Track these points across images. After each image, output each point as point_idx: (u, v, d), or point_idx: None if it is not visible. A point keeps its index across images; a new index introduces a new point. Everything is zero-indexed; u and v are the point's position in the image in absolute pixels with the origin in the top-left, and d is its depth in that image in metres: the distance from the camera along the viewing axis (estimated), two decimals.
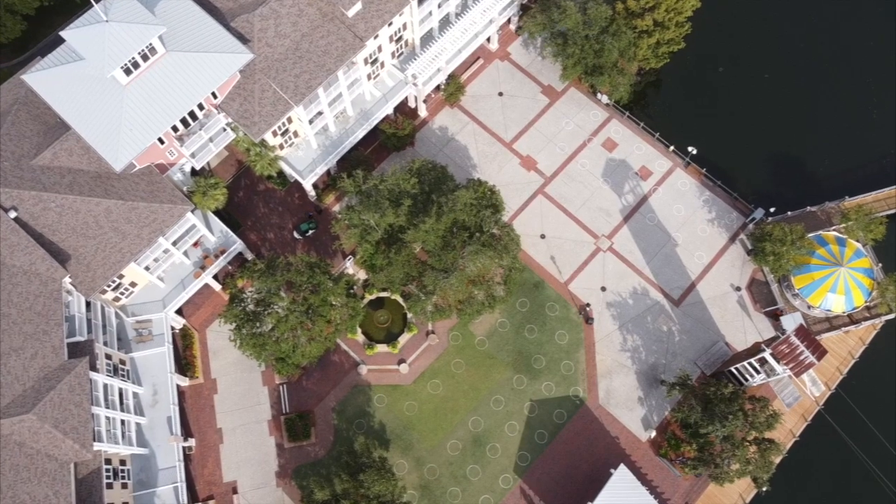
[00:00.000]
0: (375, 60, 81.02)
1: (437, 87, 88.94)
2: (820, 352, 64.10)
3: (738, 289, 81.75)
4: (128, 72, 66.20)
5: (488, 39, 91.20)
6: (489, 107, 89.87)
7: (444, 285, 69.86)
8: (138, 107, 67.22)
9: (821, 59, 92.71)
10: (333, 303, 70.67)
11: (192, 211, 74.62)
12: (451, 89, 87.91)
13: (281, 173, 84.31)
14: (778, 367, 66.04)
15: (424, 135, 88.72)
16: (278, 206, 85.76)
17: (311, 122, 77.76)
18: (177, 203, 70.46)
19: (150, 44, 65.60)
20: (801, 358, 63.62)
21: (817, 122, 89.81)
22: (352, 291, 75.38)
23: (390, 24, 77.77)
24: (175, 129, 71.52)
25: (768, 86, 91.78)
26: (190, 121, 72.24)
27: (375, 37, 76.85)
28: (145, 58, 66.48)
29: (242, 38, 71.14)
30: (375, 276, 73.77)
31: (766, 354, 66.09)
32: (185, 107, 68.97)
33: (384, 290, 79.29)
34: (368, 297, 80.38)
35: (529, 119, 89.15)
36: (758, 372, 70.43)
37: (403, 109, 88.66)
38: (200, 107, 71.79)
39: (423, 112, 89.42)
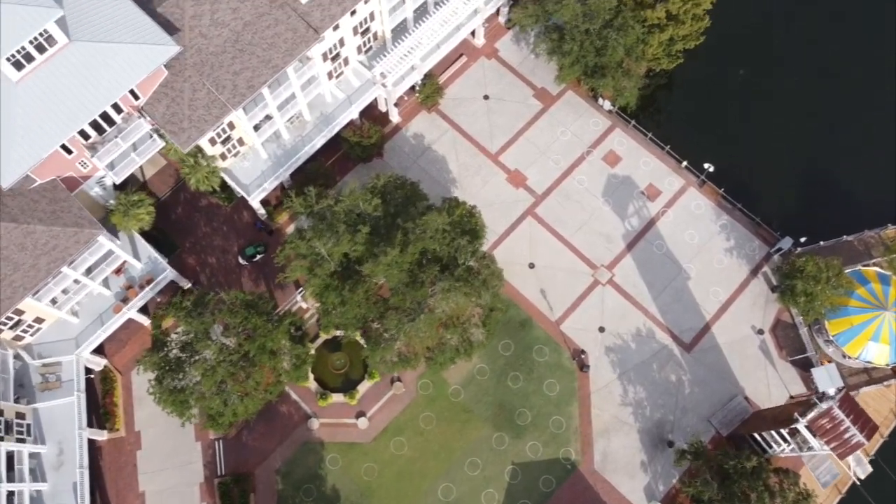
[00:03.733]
0: (337, 56, 68.78)
1: (412, 89, 76.72)
2: (870, 428, 51.93)
3: (761, 332, 69.98)
4: (18, 65, 53.92)
5: (473, 33, 79.09)
6: (473, 112, 77.86)
7: (410, 330, 58.00)
8: (34, 109, 55.18)
9: (857, 64, 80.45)
10: (274, 349, 58.69)
11: (117, 233, 63.15)
12: (428, 91, 75.70)
13: (226, 186, 72.02)
14: (815, 444, 53.81)
15: (396, 143, 76.56)
16: (223, 226, 73.58)
17: (256, 128, 65.59)
18: (84, 227, 58.07)
19: (45, 30, 53.28)
20: (847, 437, 51.38)
21: (854, 137, 77.69)
22: (299, 333, 63.36)
23: (353, 13, 65.61)
24: (85, 135, 59.24)
25: (797, 93, 79.67)
26: (105, 126, 59.96)
27: (335, 28, 64.74)
28: (41, 48, 54.16)
29: (171, 27, 59.56)
30: (326, 318, 61.66)
31: (801, 426, 53.86)
32: (94, 109, 57.16)
33: (339, 328, 67.18)
34: (323, 337, 68.23)
35: (519, 127, 77.40)
36: (787, 443, 58.29)
37: (373, 114, 76.44)
38: (117, 109, 59.55)
39: (395, 117, 77.14)
